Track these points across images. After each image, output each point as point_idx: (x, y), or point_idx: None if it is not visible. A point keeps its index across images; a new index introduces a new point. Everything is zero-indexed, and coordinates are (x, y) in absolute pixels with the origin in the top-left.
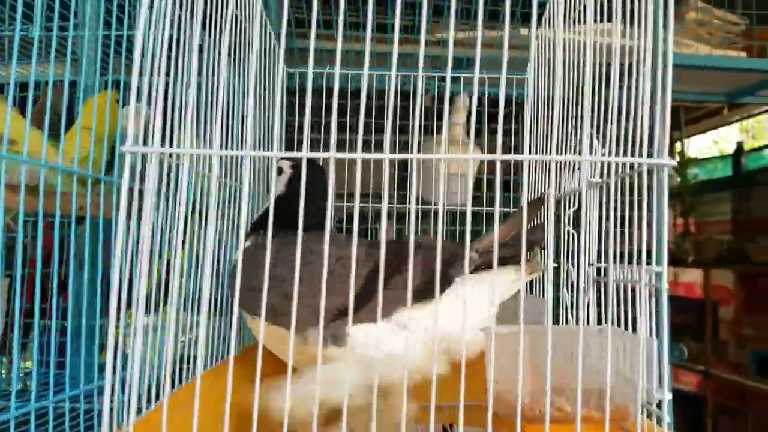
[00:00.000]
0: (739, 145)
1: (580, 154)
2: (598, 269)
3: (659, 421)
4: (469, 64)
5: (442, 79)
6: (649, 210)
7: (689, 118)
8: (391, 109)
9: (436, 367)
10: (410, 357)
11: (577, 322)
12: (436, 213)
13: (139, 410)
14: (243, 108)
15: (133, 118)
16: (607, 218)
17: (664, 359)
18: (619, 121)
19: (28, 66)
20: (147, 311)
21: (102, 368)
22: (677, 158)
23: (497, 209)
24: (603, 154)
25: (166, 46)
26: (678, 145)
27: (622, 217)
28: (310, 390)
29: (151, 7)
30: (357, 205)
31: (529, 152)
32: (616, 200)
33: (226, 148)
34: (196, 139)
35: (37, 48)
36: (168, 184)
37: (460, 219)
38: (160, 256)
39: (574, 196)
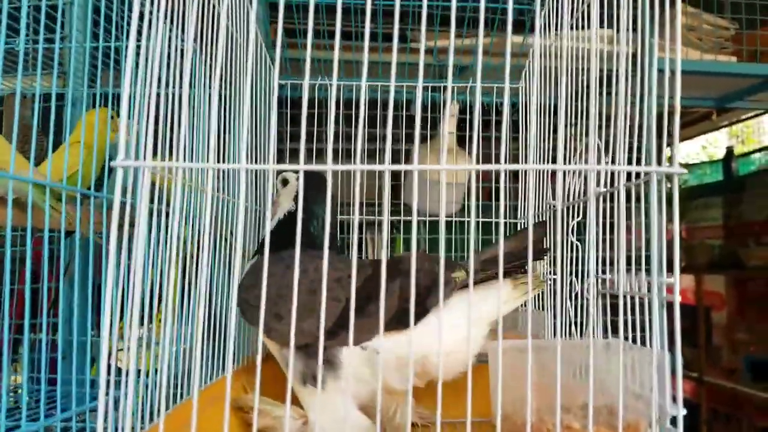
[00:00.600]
0: (730, 150)
1: (585, 162)
2: (603, 280)
3: None
4: (458, 73)
5: (433, 88)
6: (658, 218)
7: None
8: (390, 120)
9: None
10: (385, 379)
11: (581, 336)
12: (427, 223)
13: (132, 429)
14: (236, 121)
15: (123, 131)
16: (611, 230)
17: (679, 373)
18: (625, 128)
19: (13, 79)
20: (141, 324)
21: (93, 384)
22: (667, 164)
23: (501, 220)
24: (606, 162)
25: (157, 59)
26: (667, 151)
27: (628, 228)
28: None
29: (141, 18)
30: (356, 217)
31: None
32: (620, 209)
33: (222, 161)
34: (190, 152)
35: (23, 61)
36: (160, 198)
37: (455, 228)
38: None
39: (578, 206)
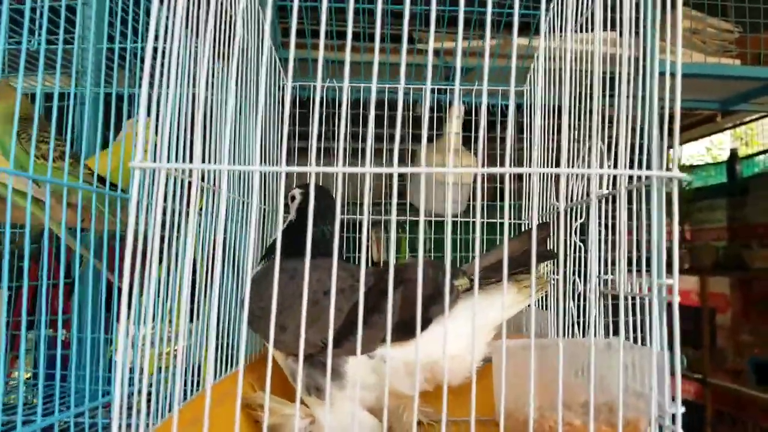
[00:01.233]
0: (734, 152)
1: (588, 166)
2: (605, 281)
3: None
4: (464, 74)
5: (439, 90)
6: (659, 221)
7: (682, 125)
8: (399, 123)
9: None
10: (394, 385)
11: (583, 335)
12: (432, 223)
13: (147, 426)
14: (248, 123)
15: (141, 132)
16: (613, 232)
17: (678, 372)
18: (627, 131)
19: (33, 78)
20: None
21: (106, 380)
22: (671, 165)
23: (506, 221)
24: (609, 166)
25: (175, 61)
26: (671, 152)
27: (629, 229)
28: None
29: (158, 21)
30: (367, 218)
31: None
32: (621, 211)
33: (234, 163)
34: (204, 154)
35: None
36: (178, 199)
37: (460, 229)
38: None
39: (581, 208)
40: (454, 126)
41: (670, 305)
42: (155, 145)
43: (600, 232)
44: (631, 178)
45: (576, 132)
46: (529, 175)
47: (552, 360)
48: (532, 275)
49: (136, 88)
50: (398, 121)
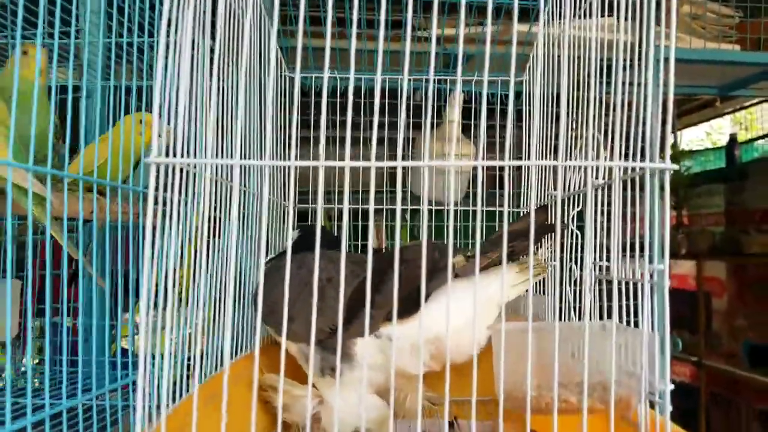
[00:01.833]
0: (733, 137)
1: (583, 155)
2: (600, 267)
3: (661, 411)
4: (465, 62)
5: (439, 79)
6: (652, 209)
7: (682, 110)
8: (403, 114)
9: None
10: (400, 365)
11: (579, 319)
12: (433, 211)
13: (158, 407)
14: (257, 118)
15: (156, 130)
16: (609, 219)
17: (666, 352)
18: (621, 121)
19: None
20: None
21: (113, 366)
22: (671, 150)
23: (506, 210)
24: (606, 157)
25: (187, 56)
26: (671, 137)
27: (624, 215)
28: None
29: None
30: (372, 207)
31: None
32: (616, 201)
33: (245, 158)
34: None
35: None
36: (192, 194)
37: (460, 216)
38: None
39: (578, 197)
40: (454, 114)
41: (661, 289)
42: (166, 143)
43: (596, 220)
44: (626, 168)
45: (573, 121)
46: (528, 166)
47: (549, 342)
48: (530, 253)
49: (135, 80)
50: (401, 110)
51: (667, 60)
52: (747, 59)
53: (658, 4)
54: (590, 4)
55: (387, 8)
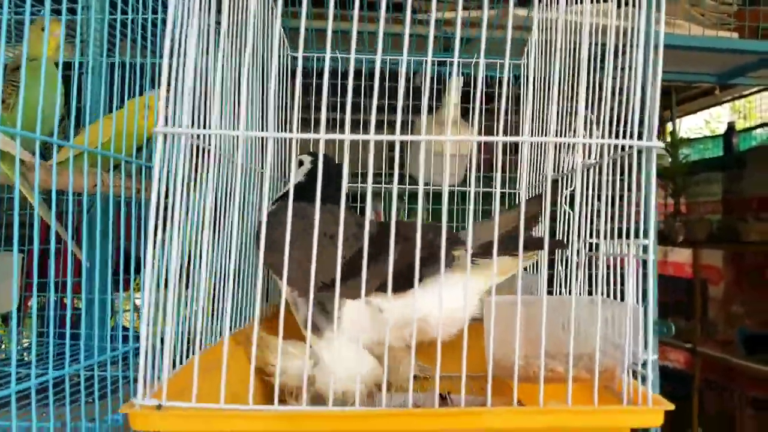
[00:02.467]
0: (731, 125)
1: (575, 135)
2: (590, 245)
3: (644, 380)
4: (464, 45)
5: (439, 62)
6: (638, 189)
7: (681, 98)
8: (401, 94)
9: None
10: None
11: (569, 293)
12: (430, 193)
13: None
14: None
15: (163, 99)
16: (599, 198)
17: (650, 324)
18: (613, 102)
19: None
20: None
21: (113, 339)
22: (669, 138)
23: (497, 190)
24: (597, 136)
25: (195, 30)
26: (669, 125)
27: (613, 196)
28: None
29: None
30: (370, 186)
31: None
32: (608, 180)
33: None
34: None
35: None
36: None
37: (457, 199)
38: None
39: (570, 177)
40: (453, 97)
41: (645, 263)
42: (174, 112)
43: (587, 198)
44: (615, 147)
45: (566, 102)
46: (521, 146)
47: (538, 315)
48: (520, 246)
49: (139, 57)
50: (400, 92)
51: (656, 44)
52: (745, 47)
53: None
54: None
55: None
